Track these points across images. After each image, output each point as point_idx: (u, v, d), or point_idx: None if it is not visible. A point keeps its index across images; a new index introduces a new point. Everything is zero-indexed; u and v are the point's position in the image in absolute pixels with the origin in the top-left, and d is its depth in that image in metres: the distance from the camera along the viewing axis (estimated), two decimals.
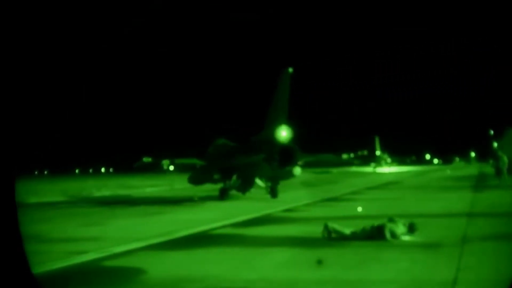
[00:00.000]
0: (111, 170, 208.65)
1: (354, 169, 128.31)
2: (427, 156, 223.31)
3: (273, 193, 34.48)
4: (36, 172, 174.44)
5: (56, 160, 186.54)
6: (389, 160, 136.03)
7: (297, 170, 33.70)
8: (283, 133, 30.46)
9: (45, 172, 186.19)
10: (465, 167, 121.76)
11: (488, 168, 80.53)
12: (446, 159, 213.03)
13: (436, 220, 19.74)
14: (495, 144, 67.19)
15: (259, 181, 34.10)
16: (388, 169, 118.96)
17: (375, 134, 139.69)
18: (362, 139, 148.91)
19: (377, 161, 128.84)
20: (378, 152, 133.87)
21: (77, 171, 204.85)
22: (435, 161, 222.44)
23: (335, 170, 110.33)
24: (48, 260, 13.09)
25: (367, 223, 15.64)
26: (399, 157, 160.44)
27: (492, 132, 71.43)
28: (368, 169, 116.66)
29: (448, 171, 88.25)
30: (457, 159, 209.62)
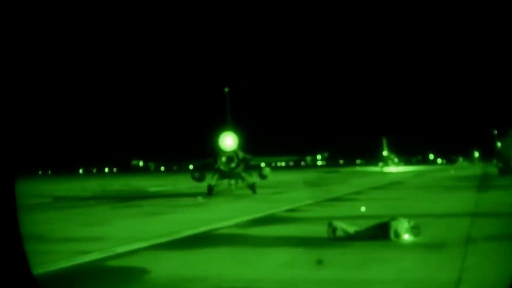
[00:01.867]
0: (114, 170, 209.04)
1: (359, 168, 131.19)
2: (431, 156, 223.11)
3: (252, 189, 39.88)
4: (40, 172, 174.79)
5: (60, 160, 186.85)
6: (396, 160, 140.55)
7: (265, 171, 43.48)
8: (225, 141, 38.43)
9: (49, 172, 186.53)
10: (469, 167, 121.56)
11: (492, 168, 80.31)
12: (450, 159, 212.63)
13: (439, 220, 19.70)
14: (499, 144, 66.91)
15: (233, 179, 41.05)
16: (395, 168, 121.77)
17: (382, 135, 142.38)
18: (370, 140, 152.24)
19: (385, 161, 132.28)
20: (385, 153, 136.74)
21: (80, 171, 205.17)
22: (439, 161, 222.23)
23: (343, 170, 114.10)
24: (52, 260, 13.12)
25: (370, 223, 15.61)
26: (405, 157, 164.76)
27: (496, 132, 71.12)
28: (376, 168, 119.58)
29: (451, 171, 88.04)
30: (460, 159, 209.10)
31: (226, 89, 40.75)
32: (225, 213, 24.92)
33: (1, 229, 6.66)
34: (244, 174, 40.42)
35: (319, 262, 12.00)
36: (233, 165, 38.60)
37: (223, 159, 38.35)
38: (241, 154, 39.37)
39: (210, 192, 38.86)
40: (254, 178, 41.23)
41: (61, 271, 12.16)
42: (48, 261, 12.89)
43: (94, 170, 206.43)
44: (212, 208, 29.32)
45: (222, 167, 38.58)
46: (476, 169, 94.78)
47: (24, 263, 7.12)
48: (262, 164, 44.04)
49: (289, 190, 44.17)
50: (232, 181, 40.95)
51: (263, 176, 43.09)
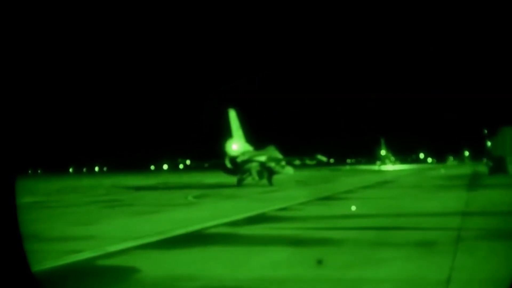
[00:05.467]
0: (104, 169, 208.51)
1: (353, 167, 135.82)
2: (421, 155, 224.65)
3: (269, 182, 52.58)
4: (29, 171, 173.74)
5: (50, 159, 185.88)
6: (392, 158, 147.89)
7: (288, 170, 57.22)
8: (230, 147, 51.99)
9: (39, 171, 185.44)
10: (459, 166, 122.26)
11: (482, 167, 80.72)
12: (440, 158, 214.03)
13: (430, 219, 19.77)
14: (489, 144, 67.32)
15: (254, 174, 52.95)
16: (392, 167, 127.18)
17: (379, 135, 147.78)
18: (369, 140, 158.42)
19: (382, 159, 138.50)
20: (383, 152, 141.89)
21: (70, 170, 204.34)
22: (429, 160, 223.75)
23: (346, 168, 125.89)
24: (43, 259, 13.00)
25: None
26: (401, 156, 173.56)
27: (486, 131, 71.51)
28: (374, 167, 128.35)
29: (442, 170, 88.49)
30: (451, 158, 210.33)
31: (231, 110, 53.81)
32: (216, 212, 24.87)
33: (1, 229, 6.62)
34: (253, 171, 52.26)
35: (319, 262, 11.96)
36: (238, 163, 51.40)
37: (228, 159, 51.53)
38: (245, 156, 51.90)
39: (239, 183, 52.40)
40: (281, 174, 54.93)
41: (52, 270, 12.08)
42: (41, 260, 12.79)
43: (84, 169, 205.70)
44: (204, 207, 29.28)
45: (228, 166, 51.80)
46: (466, 168, 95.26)
47: (23, 262, 7.09)
48: (272, 164, 53.72)
49: (280, 189, 44.21)
50: (244, 176, 53.03)
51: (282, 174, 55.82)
